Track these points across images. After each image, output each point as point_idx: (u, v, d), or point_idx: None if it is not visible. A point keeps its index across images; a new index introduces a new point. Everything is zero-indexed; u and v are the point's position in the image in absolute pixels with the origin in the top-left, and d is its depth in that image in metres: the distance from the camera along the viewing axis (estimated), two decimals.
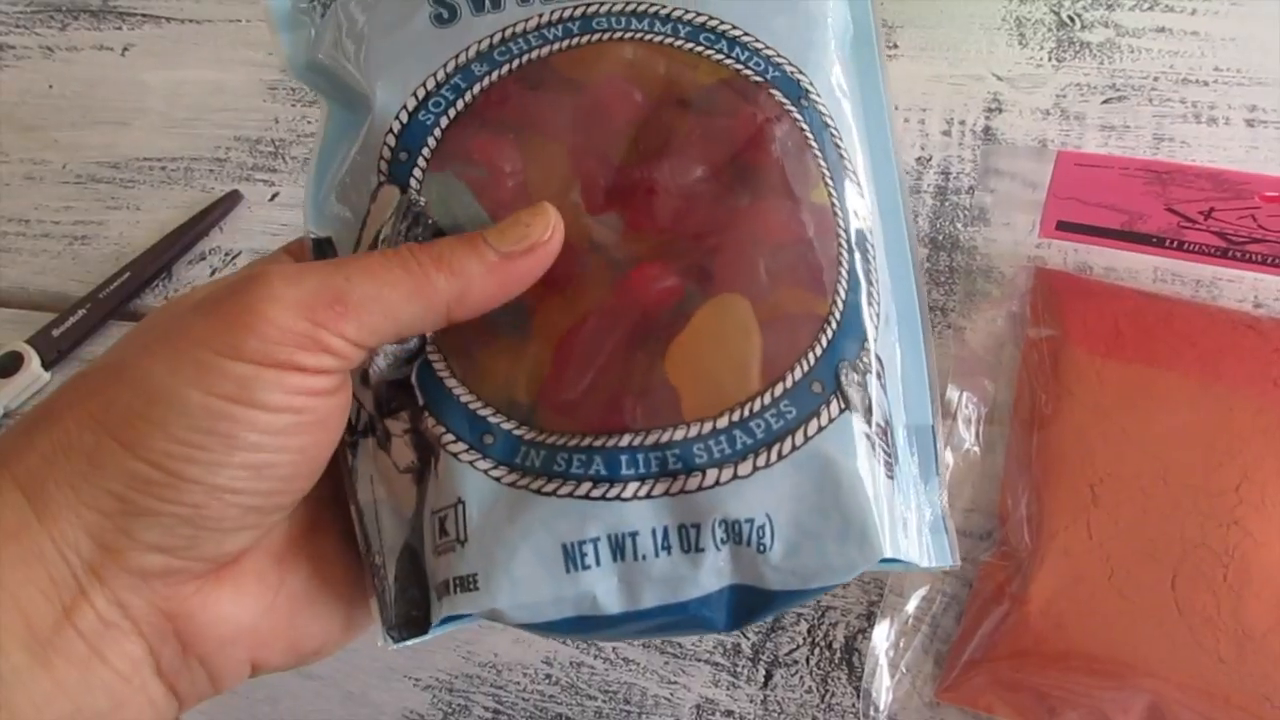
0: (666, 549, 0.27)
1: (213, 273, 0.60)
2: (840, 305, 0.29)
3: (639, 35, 0.32)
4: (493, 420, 0.29)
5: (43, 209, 0.63)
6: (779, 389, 0.28)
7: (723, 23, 0.32)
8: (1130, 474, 0.45)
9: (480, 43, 0.32)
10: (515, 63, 0.32)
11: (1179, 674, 0.41)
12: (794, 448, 0.28)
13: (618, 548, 0.27)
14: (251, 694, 0.47)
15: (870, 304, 0.30)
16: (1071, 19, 0.62)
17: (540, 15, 0.32)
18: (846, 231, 0.30)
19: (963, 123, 0.59)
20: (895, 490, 0.29)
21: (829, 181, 0.31)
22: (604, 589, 0.27)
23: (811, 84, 0.32)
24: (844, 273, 0.30)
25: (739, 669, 0.46)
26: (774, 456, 0.28)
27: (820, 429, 0.28)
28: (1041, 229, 0.52)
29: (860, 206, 0.31)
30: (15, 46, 0.69)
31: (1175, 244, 0.50)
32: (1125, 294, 0.50)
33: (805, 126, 0.31)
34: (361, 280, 0.27)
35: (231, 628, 0.28)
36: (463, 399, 0.29)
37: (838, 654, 0.46)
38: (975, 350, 0.51)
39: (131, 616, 0.26)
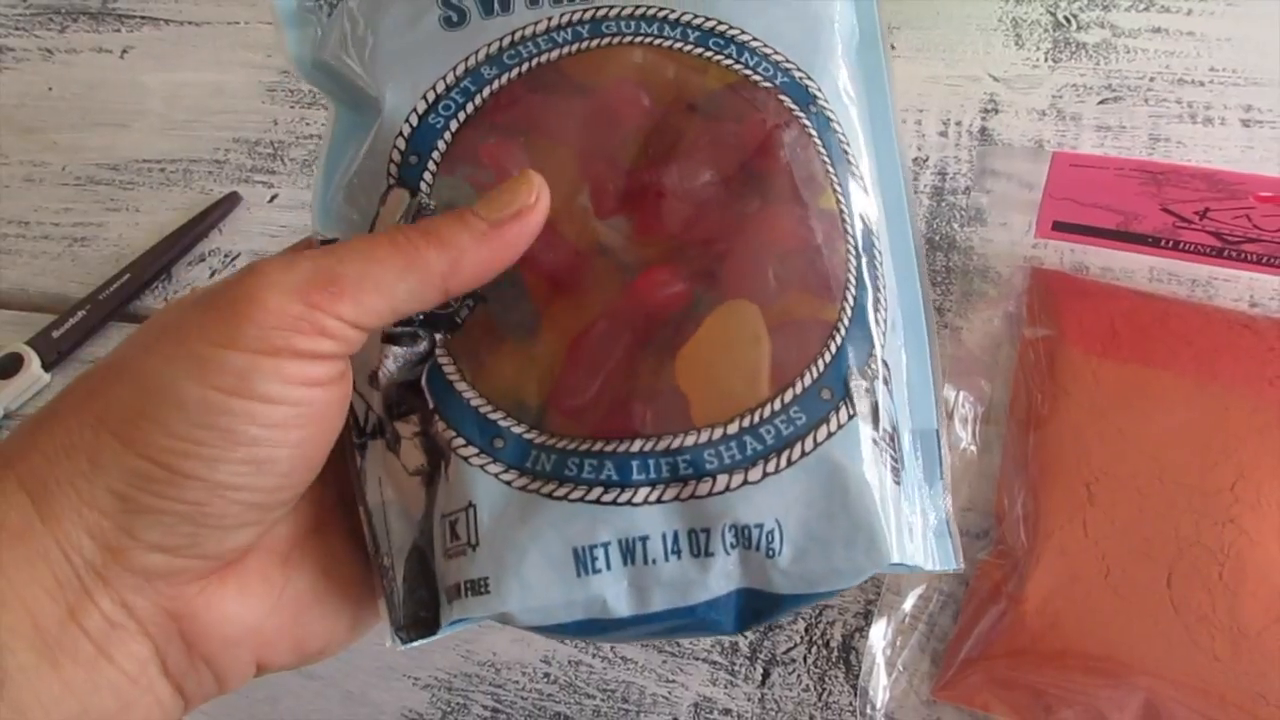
0: (676, 553, 0.28)
1: (212, 274, 0.60)
2: (849, 311, 0.29)
3: (648, 39, 0.32)
4: (503, 424, 0.29)
5: (42, 211, 0.62)
6: (789, 395, 0.28)
7: (732, 27, 0.32)
8: (1126, 473, 0.45)
9: (489, 46, 0.32)
10: (525, 66, 0.32)
11: (1174, 672, 0.41)
12: (803, 454, 0.28)
13: (628, 552, 0.28)
14: (251, 693, 0.47)
15: (878, 310, 0.30)
16: (1067, 20, 0.62)
17: (550, 19, 0.32)
18: (854, 237, 0.31)
19: (959, 123, 0.59)
20: (902, 495, 0.29)
21: (837, 187, 0.31)
22: (614, 592, 0.28)
23: (820, 89, 0.32)
24: (852, 279, 0.30)
25: (737, 667, 0.46)
26: (784, 462, 0.28)
27: (829, 435, 0.28)
28: (1037, 229, 0.52)
29: (867, 212, 0.32)
30: (15, 49, 0.68)
31: (1171, 244, 0.50)
32: (1121, 294, 0.50)
33: (813, 132, 0.31)
34: (353, 260, 0.27)
35: (236, 628, 0.28)
36: (473, 402, 0.29)
37: (835, 652, 0.46)
38: (972, 350, 0.51)
39: (137, 617, 0.26)
